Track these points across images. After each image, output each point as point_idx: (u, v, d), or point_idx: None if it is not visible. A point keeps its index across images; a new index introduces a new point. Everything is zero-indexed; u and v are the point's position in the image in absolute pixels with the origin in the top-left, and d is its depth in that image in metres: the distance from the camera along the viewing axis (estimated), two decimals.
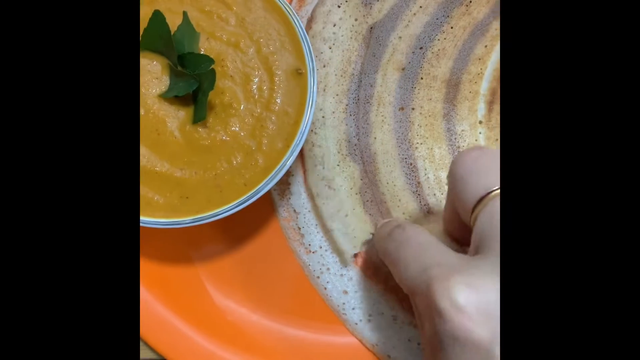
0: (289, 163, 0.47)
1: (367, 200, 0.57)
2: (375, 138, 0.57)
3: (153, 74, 0.48)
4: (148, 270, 0.55)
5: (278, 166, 0.47)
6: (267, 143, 0.47)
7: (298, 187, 0.58)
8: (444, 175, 0.56)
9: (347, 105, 0.58)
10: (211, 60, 0.45)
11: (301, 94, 0.48)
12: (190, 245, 0.57)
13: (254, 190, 0.46)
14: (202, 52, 0.48)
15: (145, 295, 0.55)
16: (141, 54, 0.48)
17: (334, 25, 0.59)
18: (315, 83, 0.48)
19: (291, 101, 0.48)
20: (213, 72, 0.44)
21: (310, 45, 0.49)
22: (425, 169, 0.56)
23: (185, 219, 0.46)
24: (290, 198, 0.58)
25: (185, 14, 0.45)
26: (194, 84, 0.45)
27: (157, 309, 0.55)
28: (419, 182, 0.56)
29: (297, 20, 0.49)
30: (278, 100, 0.48)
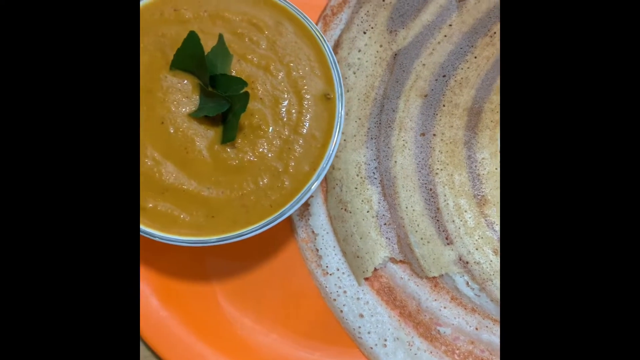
0: (314, 186, 0.47)
1: (384, 224, 0.57)
2: (395, 162, 0.58)
3: (183, 93, 0.49)
4: (163, 285, 0.56)
5: (304, 189, 0.47)
6: (294, 166, 0.48)
7: (317, 208, 0.58)
8: (463, 202, 0.56)
9: (368, 128, 0.59)
10: (244, 83, 0.45)
11: (329, 119, 0.49)
12: (206, 261, 0.57)
13: (280, 212, 0.47)
14: (233, 74, 0.48)
15: (160, 311, 0.55)
16: (172, 73, 0.49)
17: (359, 51, 0.60)
18: (343, 108, 0.49)
19: (319, 125, 0.49)
20: (246, 95, 0.45)
21: (339, 71, 0.50)
22: (445, 195, 0.57)
23: (210, 238, 0.46)
24: (309, 219, 0.58)
25: (221, 36, 0.46)
26: (225, 105, 0.46)
27: (171, 325, 0.55)
28: (438, 208, 0.57)
29: (327, 46, 0.50)
30: (306, 124, 0.49)
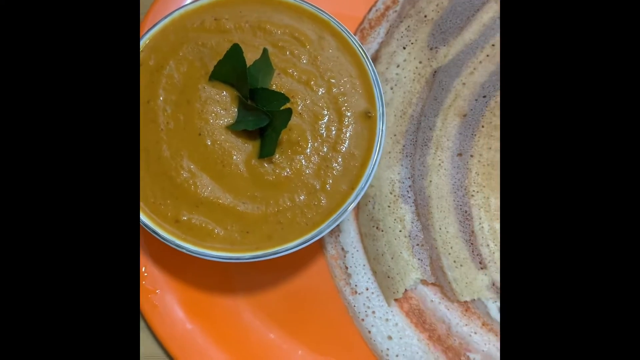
0: (352, 206, 0.46)
1: (417, 245, 0.56)
2: (430, 181, 0.56)
3: (221, 105, 0.48)
4: (189, 296, 0.55)
5: (341, 208, 0.46)
6: (332, 184, 0.47)
7: (348, 225, 0.57)
8: (499, 226, 0.55)
9: (404, 146, 0.58)
10: (286, 99, 0.44)
11: (369, 137, 0.48)
12: (233, 274, 0.56)
13: (316, 231, 0.46)
14: (273, 88, 0.48)
15: (186, 323, 0.54)
16: (211, 84, 0.48)
17: (398, 67, 0.58)
18: (384, 127, 0.48)
19: (358, 144, 0.48)
20: (289, 111, 0.44)
21: (381, 89, 0.48)
22: (480, 218, 0.55)
23: (244, 255, 0.45)
24: (339, 235, 0.57)
25: (265, 50, 0.45)
26: (265, 120, 0.45)
27: (196, 337, 0.54)
28: (472, 231, 0.55)
29: (370, 63, 0.49)
30: (345, 142, 0.48)
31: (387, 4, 0.62)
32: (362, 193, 0.47)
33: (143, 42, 0.50)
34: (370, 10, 0.62)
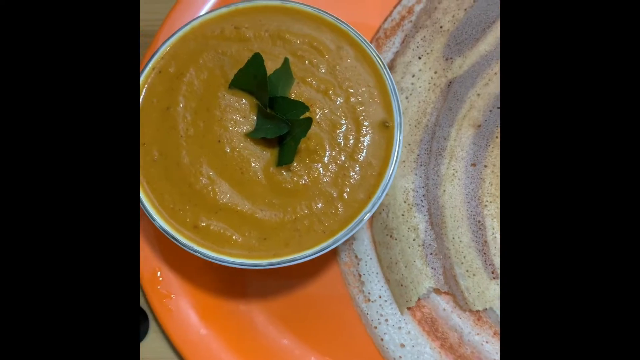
0: (368, 215, 0.47)
1: (430, 254, 0.56)
2: (444, 191, 0.57)
3: (240, 112, 0.48)
4: (203, 301, 0.55)
5: (358, 217, 0.47)
6: (349, 192, 0.47)
7: (362, 233, 0.58)
8: None
9: (418, 155, 0.58)
10: (306, 108, 0.45)
11: (386, 147, 0.48)
12: (247, 279, 0.56)
13: (333, 239, 0.46)
14: (292, 97, 0.48)
15: (200, 328, 0.55)
16: (230, 92, 0.49)
17: (413, 76, 0.59)
18: (401, 137, 0.48)
19: (376, 153, 0.48)
20: (309, 120, 0.44)
21: (399, 99, 0.49)
22: (493, 228, 0.56)
23: (262, 262, 0.46)
24: (353, 243, 0.58)
25: (286, 60, 0.46)
26: (285, 128, 0.46)
27: (210, 342, 0.55)
28: (485, 241, 0.56)
29: (388, 73, 0.49)
30: (363, 151, 0.48)
31: (402, 14, 0.62)
32: (379, 202, 0.47)
33: (163, 50, 0.51)
34: (385, 19, 0.62)
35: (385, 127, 0.49)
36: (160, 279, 0.55)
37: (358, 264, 0.57)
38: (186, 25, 0.51)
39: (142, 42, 0.63)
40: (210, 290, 0.56)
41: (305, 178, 0.47)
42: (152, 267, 0.55)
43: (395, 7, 0.62)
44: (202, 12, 0.60)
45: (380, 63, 0.50)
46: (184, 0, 0.61)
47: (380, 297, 0.56)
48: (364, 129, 0.48)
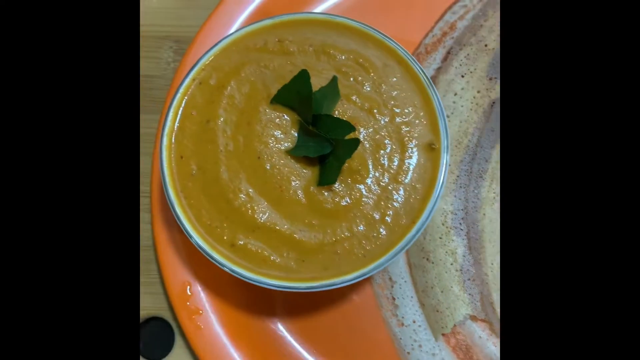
0: (413, 241, 0.45)
1: (468, 279, 0.54)
2: (484, 214, 0.55)
3: (281, 128, 0.47)
4: (232, 318, 0.54)
5: (401, 242, 0.45)
6: (392, 216, 0.46)
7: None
8: None
9: (458, 176, 0.56)
10: (352, 128, 0.43)
11: (432, 170, 0.46)
12: (276, 297, 0.55)
13: (374, 264, 0.45)
14: (335, 114, 0.47)
15: (228, 346, 0.53)
16: (272, 107, 0.47)
17: (455, 95, 0.57)
18: (448, 160, 0.46)
19: (421, 176, 0.46)
20: (357, 141, 0.43)
21: (446, 121, 0.47)
22: None
23: (300, 285, 0.44)
24: (388, 265, 0.56)
25: (335, 78, 0.44)
26: (328, 148, 0.44)
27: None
28: None
29: (436, 93, 0.48)
30: (408, 173, 0.46)
31: (444, 30, 0.61)
32: (424, 228, 0.45)
33: (204, 61, 0.49)
34: (426, 35, 0.61)
35: (431, 149, 0.47)
36: (189, 294, 0.54)
37: (392, 286, 0.55)
38: (228, 36, 0.50)
39: (178, 48, 0.62)
40: (240, 307, 0.54)
41: (347, 199, 0.46)
42: (181, 282, 0.54)
43: (437, 22, 0.61)
44: (240, 21, 0.59)
45: (428, 83, 0.48)
46: (221, 8, 0.60)
47: (414, 321, 0.54)
48: (409, 150, 0.47)
